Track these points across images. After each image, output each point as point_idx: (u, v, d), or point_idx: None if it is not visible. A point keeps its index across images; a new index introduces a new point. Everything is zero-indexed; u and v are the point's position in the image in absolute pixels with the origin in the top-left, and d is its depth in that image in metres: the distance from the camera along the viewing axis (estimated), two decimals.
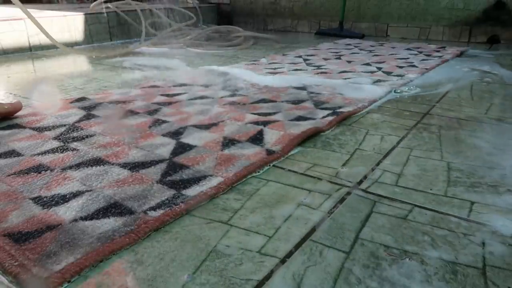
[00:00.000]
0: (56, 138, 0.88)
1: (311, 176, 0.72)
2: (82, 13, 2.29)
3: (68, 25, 2.21)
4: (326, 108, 1.08)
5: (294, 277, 0.47)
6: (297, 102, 1.14)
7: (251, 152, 0.79)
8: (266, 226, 0.57)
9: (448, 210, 0.61)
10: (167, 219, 0.57)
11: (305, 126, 0.92)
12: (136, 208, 0.59)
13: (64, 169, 0.72)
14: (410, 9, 2.53)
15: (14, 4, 1.62)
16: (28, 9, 1.73)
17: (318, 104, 1.12)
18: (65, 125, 0.96)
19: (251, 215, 0.59)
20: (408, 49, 2.12)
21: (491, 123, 0.99)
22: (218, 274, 0.47)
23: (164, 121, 0.98)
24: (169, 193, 0.64)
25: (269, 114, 1.03)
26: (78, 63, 1.84)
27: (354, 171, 0.73)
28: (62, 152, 0.80)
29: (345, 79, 1.44)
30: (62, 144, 0.84)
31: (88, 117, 1.02)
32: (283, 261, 0.50)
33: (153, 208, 0.59)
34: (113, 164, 0.74)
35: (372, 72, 1.56)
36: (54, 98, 1.23)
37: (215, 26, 2.77)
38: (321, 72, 1.56)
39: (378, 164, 0.77)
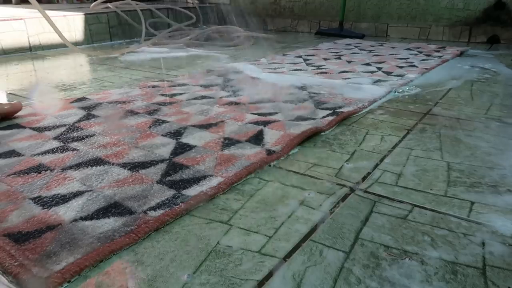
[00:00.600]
0: (56, 138, 0.88)
1: (311, 176, 0.72)
2: (82, 13, 2.29)
3: (68, 25, 2.21)
4: (326, 108, 1.08)
5: (294, 277, 0.47)
6: (297, 102, 1.14)
7: (251, 152, 0.79)
8: (266, 226, 0.57)
9: (448, 210, 0.61)
10: (167, 219, 0.57)
11: (305, 126, 0.92)
12: (136, 208, 0.59)
13: (64, 169, 0.72)
14: (410, 9, 2.53)
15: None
16: (28, 9, 1.73)
17: (318, 104, 1.12)
18: (65, 125, 0.96)
19: (251, 215, 0.59)
20: (408, 49, 2.12)
21: (491, 123, 0.99)
22: (218, 274, 0.47)
23: (164, 121, 0.98)
24: (169, 193, 0.64)
25: (269, 114, 1.03)
26: (78, 63, 1.84)
27: (354, 171, 0.73)
28: (62, 152, 0.80)
29: (345, 79, 1.44)
30: (62, 144, 0.84)
31: (88, 117, 1.02)
32: (283, 261, 0.50)
33: (153, 208, 0.59)
34: (113, 164, 0.74)
35: (372, 72, 1.56)
36: (54, 98, 1.23)
37: (215, 26, 2.77)
38: (321, 72, 1.56)
39: (378, 164, 0.77)
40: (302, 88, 1.31)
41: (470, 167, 0.75)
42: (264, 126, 0.93)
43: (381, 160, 0.78)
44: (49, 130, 0.93)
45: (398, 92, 1.28)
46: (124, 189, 0.65)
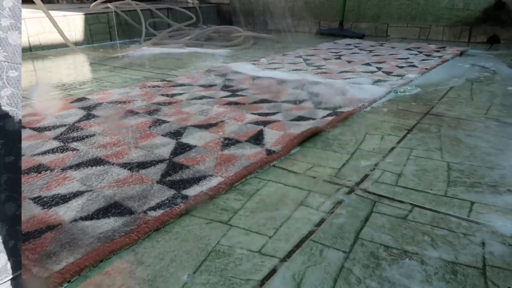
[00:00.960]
0: (56, 138, 0.88)
1: (311, 176, 0.72)
2: (82, 13, 2.29)
3: (68, 25, 2.21)
4: (326, 108, 1.08)
5: (294, 277, 0.47)
6: (297, 102, 1.14)
7: (251, 152, 0.79)
8: (266, 226, 0.57)
9: (448, 210, 0.61)
10: (167, 219, 0.57)
11: (305, 126, 0.92)
12: (136, 208, 0.59)
13: (64, 169, 0.72)
14: (410, 9, 2.53)
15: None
16: (29, 9, 1.73)
17: (318, 104, 1.12)
18: (65, 125, 0.96)
19: (251, 215, 0.59)
20: (408, 49, 2.12)
21: (491, 123, 0.99)
22: (218, 274, 0.47)
23: (164, 121, 0.98)
24: (169, 193, 0.64)
25: (269, 114, 1.03)
26: (78, 63, 1.84)
27: (354, 171, 0.73)
28: (62, 152, 0.80)
29: (345, 79, 1.43)
30: (62, 144, 0.84)
31: (88, 117, 1.02)
32: (283, 261, 0.50)
33: (153, 208, 0.59)
34: (113, 164, 0.74)
35: (372, 72, 1.56)
36: (54, 98, 1.23)
37: (215, 26, 2.77)
38: (321, 72, 1.56)
39: (378, 164, 0.77)
40: (302, 88, 1.31)
41: (470, 167, 0.75)
42: (264, 126, 0.93)
43: (381, 160, 0.78)
44: (49, 130, 0.92)
45: (398, 92, 1.28)
46: (124, 189, 0.65)
